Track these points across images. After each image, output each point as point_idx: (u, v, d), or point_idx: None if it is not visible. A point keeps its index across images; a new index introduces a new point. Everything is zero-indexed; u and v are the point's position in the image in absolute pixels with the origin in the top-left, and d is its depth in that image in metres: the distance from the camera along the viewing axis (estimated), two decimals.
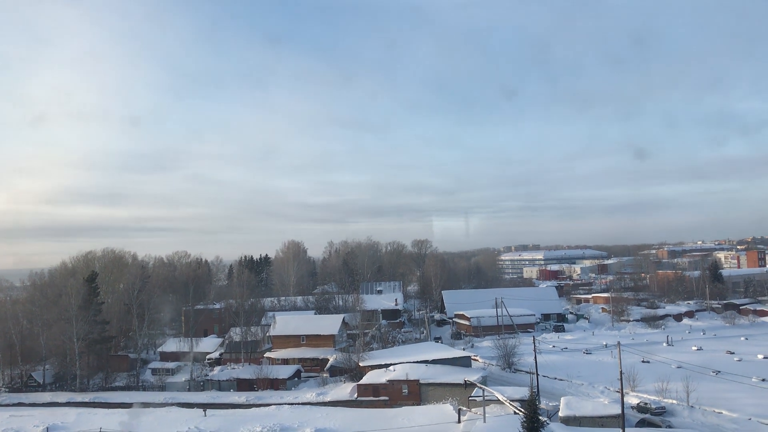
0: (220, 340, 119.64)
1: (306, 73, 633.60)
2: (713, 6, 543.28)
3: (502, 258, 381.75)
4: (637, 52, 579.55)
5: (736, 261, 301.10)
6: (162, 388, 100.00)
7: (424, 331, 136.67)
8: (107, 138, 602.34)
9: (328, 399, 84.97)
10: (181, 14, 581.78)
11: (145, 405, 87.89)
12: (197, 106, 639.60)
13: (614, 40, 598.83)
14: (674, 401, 71.04)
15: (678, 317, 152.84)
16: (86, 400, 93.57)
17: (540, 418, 50.83)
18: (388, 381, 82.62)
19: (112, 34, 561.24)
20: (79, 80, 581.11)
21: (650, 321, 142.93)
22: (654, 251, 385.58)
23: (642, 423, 64.32)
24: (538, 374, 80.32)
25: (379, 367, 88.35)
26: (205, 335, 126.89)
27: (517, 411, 60.83)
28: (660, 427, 62.44)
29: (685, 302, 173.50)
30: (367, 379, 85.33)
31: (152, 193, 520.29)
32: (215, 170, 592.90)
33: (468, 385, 76.70)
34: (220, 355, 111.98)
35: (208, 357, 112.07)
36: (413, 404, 79.50)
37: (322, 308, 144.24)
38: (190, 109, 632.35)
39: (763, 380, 78.18)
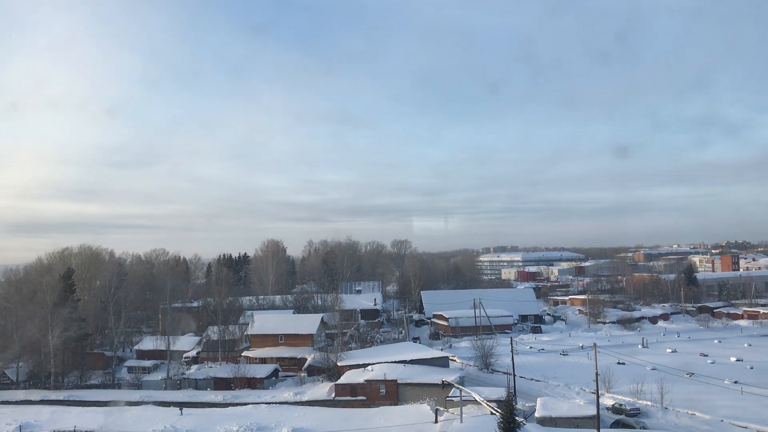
0: (197, 338, 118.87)
1: (288, 64, 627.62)
2: (699, 7, 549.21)
3: (481, 259, 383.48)
4: (623, 52, 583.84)
5: (710, 265, 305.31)
6: (138, 386, 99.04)
7: (403, 331, 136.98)
8: (84, 131, 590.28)
9: (305, 398, 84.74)
10: (159, 1, 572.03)
11: (121, 403, 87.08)
12: (176, 98, 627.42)
13: (599, 39, 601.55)
14: (649, 403, 71.91)
15: (653, 320, 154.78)
16: (60, 398, 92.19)
17: (516, 418, 51.24)
18: (366, 381, 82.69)
19: (89, 21, 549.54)
20: (55, 68, 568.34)
21: (626, 323, 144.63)
22: (630, 254, 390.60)
23: (617, 424, 65.00)
24: (515, 375, 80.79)
25: (357, 366, 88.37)
26: (183, 333, 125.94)
27: (493, 411, 61.24)
28: (634, 428, 63.21)
29: (661, 305, 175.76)
30: (344, 378, 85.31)
31: (130, 189, 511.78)
32: (195, 166, 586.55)
33: (445, 386, 76.99)
34: (198, 353, 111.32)
35: (185, 355, 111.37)
36: (391, 404, 79.60)
37: (300, 307, 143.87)
38: (169, 101, 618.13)
39: (736, 382, 79.44)
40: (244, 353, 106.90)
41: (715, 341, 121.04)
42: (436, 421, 69.09)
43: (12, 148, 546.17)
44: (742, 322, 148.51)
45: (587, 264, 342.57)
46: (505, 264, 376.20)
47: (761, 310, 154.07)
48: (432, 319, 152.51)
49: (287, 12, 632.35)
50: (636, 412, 69.35)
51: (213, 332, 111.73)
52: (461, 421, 63.59)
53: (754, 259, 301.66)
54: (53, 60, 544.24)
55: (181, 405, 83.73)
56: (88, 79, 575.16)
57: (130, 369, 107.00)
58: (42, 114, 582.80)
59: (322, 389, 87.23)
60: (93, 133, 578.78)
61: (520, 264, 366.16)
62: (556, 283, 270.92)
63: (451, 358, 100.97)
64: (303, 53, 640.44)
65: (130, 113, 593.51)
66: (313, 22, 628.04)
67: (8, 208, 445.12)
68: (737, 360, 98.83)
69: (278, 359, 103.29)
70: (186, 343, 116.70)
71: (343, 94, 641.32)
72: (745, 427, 62.57)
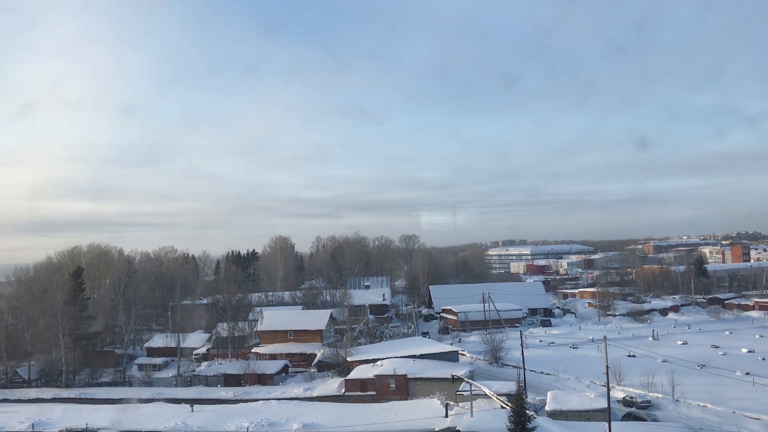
0: (207, 335, 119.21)
1: (302, 61, 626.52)
2: None
3: (490, 253, 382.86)
4: (638, 43, 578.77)
5: (721, 256, 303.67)
6: (149, 383, 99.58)
7: (412, 326, 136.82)
8: (97, 130, 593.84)
9: (315, 394, 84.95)
10: (173, 0, 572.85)
11: (132, 401, 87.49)
12: (190, 96, 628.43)
13: (615, 29, 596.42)
14: (660, 395, 71.55)
15: (663, 312, 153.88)
16: (72, 395, 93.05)
17: (527, 412, 51.09)
18: (376, 376, 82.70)
19: (103, 20, 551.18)
20: (69, 68, 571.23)
21: (636, 315, 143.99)
22: (640, 246, 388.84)
23: (628, 416, 64.78)
24: (525, 369, 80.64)
25: (367, 362, 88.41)
26: (192, 331, 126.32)
27: (504, 405, 61.14)
28: (646, 420, 62.98)
29: (671, 297, 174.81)
30: (354, 374, 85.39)
31: (140, 187, 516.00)
32: (207, 164, 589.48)
33: (455, 380, 76.95)
34: (208, 350, 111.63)
35: (195, 352, 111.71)
36: (401, 399, 79.61)
37: (309, 303, 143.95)
38: (183, 99, 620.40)
39: (747, 374, 78.95)
40: (254, 350, 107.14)
41: (726, 333, 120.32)
42: (446, 416, 69.04)
43: (26, 148, 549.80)
44: (754, 314, 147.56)
45: (597, 257, 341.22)
46: (514, 258, 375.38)
47: None
48: (441, 314, 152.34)
49: (301, 9, 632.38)
50: (647, 405, 68.99)
51: (222, 329, 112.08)
52: (471, 416, 63.50)
53: (765, 250, 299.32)
54: (67, 60, 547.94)
55: (192, 402, 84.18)
56: (102, 78, 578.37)
57: (141, 366, 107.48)
58: (56, 114, 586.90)
59: (332, 385, 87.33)
60: (106, 132, 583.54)
61: (529, 257, 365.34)
62: (566, 276, 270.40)
63: (460, 352, 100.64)
64: (317, 50, 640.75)
65: (143, 112, 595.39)
66: (327, 19, 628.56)
67: (19, 207, 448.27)
68: (749, 351, 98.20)
69: (288, 355, 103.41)
70: (196, 340, 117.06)
71: (357, 90, 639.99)
72: (758, 419, 62.12)
